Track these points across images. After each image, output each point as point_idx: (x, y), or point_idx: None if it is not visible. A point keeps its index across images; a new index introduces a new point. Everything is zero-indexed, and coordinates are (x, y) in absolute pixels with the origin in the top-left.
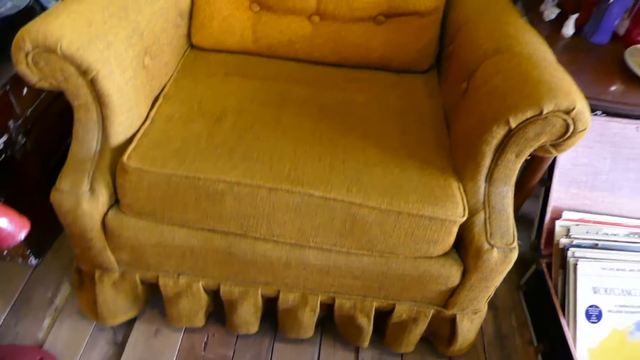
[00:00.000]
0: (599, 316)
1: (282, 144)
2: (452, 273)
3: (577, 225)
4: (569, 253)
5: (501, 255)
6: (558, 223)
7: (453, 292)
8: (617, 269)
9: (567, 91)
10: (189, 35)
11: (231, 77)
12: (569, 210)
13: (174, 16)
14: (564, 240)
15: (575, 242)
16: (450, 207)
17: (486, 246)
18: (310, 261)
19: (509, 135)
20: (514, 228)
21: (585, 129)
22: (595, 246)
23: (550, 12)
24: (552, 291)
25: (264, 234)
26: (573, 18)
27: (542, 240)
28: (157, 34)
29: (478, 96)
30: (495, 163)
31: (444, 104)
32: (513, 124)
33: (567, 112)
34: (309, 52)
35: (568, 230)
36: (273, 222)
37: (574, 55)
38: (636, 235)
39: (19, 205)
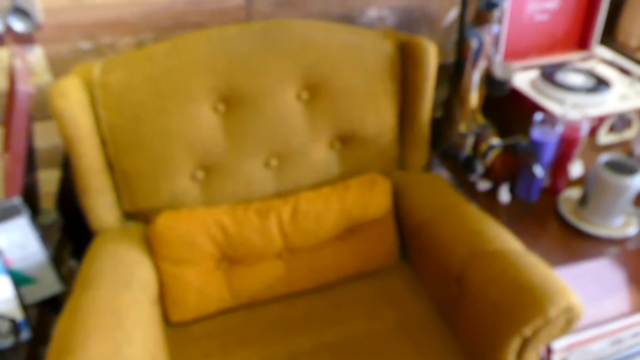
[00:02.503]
0: None
1: None
2: None
3: (571, 354)
4: None
5: None
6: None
7: None
8: None
9: (561, 291)
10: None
11: (229, 350)
12: None
13: (153, 314)
14: None
15: None
16: None
17: None
18: None
19: (526, 340)
20: None
21: (580, 315)
22: None
23: (483, 185)
24: None
25: None
26: (505, 187)
27: None
28: (149, 351)
29: (479, 308)
30: None
31: (431, 297)
32: (528, 333)
33: (568, 310)
34: (289, 289)
35: None
36: None
37: (517, 218)
38: (616, 342)
39: None
